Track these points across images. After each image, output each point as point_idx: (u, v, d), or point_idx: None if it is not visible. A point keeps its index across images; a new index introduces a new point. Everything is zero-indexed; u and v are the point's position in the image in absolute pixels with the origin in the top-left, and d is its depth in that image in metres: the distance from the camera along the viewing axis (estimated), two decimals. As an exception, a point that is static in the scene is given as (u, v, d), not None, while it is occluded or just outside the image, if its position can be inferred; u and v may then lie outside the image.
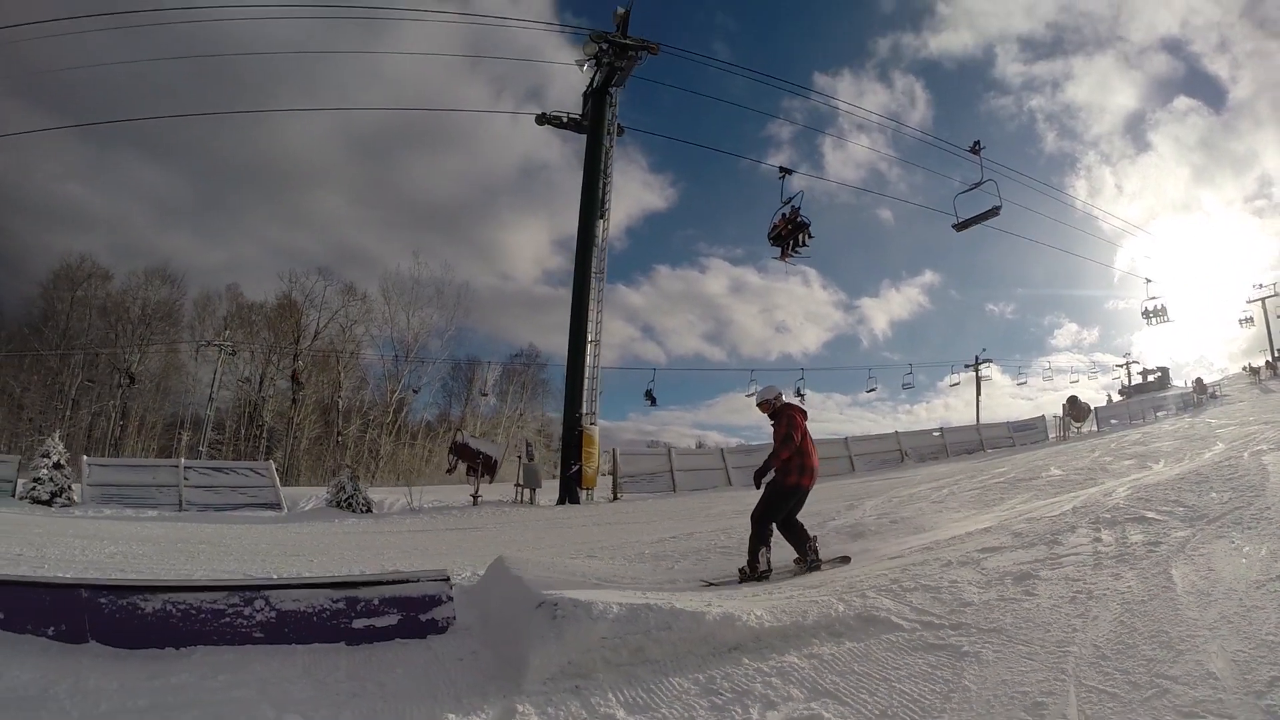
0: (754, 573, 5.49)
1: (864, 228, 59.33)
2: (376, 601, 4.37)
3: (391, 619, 4.36)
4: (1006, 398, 53.34)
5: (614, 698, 3.30)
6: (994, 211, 19.45)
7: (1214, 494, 6.25)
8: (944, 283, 61.51)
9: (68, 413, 36.13)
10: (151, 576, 6.40)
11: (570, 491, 18.02)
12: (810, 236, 17.79)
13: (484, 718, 3.21)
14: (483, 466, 17.98)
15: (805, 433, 5.75)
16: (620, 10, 19.88)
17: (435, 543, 10.31)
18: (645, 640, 3.64)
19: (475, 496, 17.26)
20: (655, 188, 65.53)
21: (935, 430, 24.32)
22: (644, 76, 21.11)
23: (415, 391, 39.23)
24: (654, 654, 3.61)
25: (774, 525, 5.65)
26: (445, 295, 40.51)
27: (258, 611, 4.19)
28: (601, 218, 20.12)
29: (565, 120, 21.21)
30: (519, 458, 18.53)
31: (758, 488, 5.76)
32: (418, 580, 4.53)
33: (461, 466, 18.65)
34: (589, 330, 19.48)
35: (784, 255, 18.12)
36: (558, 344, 47.54)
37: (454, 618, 4.51)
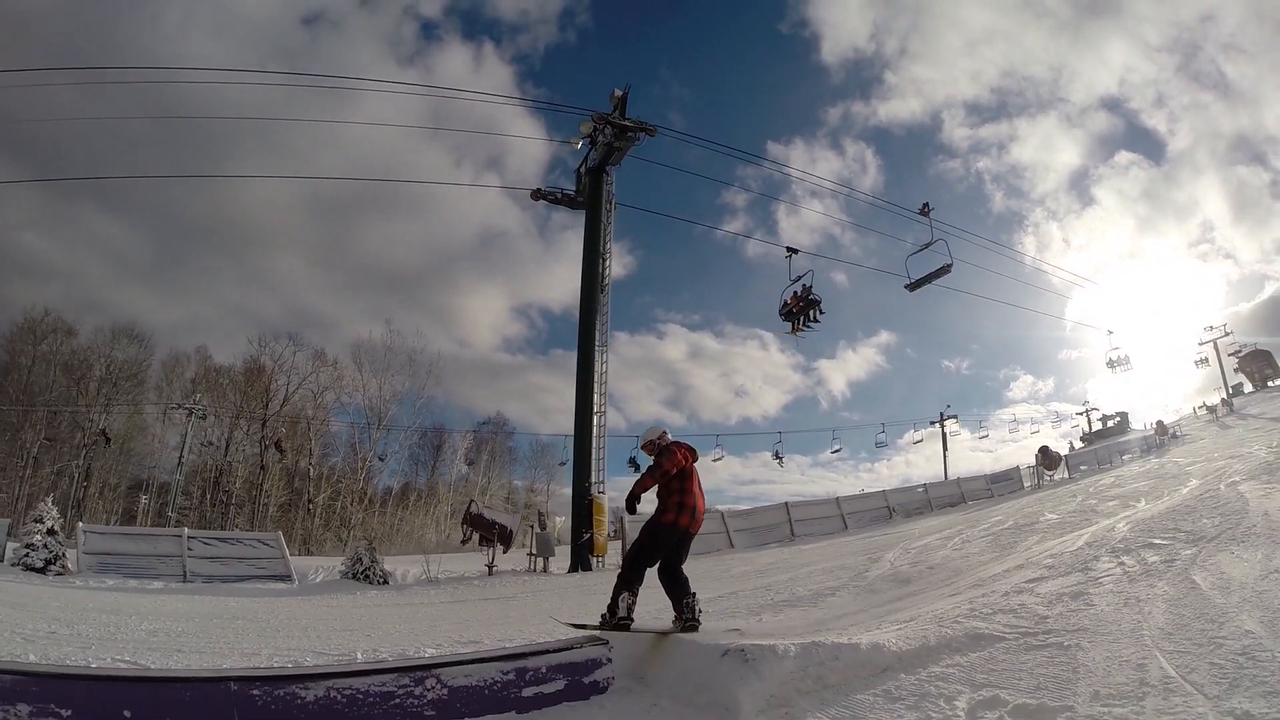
0: (612, 618, 5.05)
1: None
2: (544, 669, 4.50)
3: (559, 684, 4.49)
4: (968, 451, 55.63)
5: (823, 715, 3.84)
6: (945, 269, 19.91)
7: (1205, 520, 7.55)
8: (900, 342, 64.42)
9: (27, 470, 34.67)
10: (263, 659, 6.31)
11: (582, 559, 18.39)
12: (822, 312, 18.74)
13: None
14: (498, 536, 18.32)
15: (688, 471, 5.24)
16: (618, 92, 21.02)
17: (482, 613, 10.42)
18: (822, 670, 4.20)
19: (490, 566, 17.62)
20: (614, 255, 67.12)
21: (919, 486, 25.58)
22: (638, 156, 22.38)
23: (381, 459, 38.98)
24: (831, 680, 4.18)
25: (644, 570, 5.18)
26: (417, 363, 41.49)
27: (429, 690, 4.11)
28: (602, 291, 21.14)
29: (559, 196, 22.41)
30: (531, 527, 19.20)
31: (631, 512, 5.49)
32: (581, 646, 4.82)
33: (474, 536, 18.97)
34: (594, 401, 20.21)
35: (795, 330, 19.05)
36: (517, 411, 48.25)
37: (614, 678, 4.72)
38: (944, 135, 61.66)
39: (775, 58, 61.84)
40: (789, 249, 19.82)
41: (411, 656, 5.88)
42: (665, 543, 5.15)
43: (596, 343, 20.90)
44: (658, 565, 5.19)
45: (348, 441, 40.04)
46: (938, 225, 20.49)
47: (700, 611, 5.22)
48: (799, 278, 18.83)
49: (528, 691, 4.39)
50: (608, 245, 21.68)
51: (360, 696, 3.90)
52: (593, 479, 19.47)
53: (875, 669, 4.32)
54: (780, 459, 31.66)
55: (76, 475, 34.40)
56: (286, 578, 15.65)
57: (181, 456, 30.67)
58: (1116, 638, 4.41)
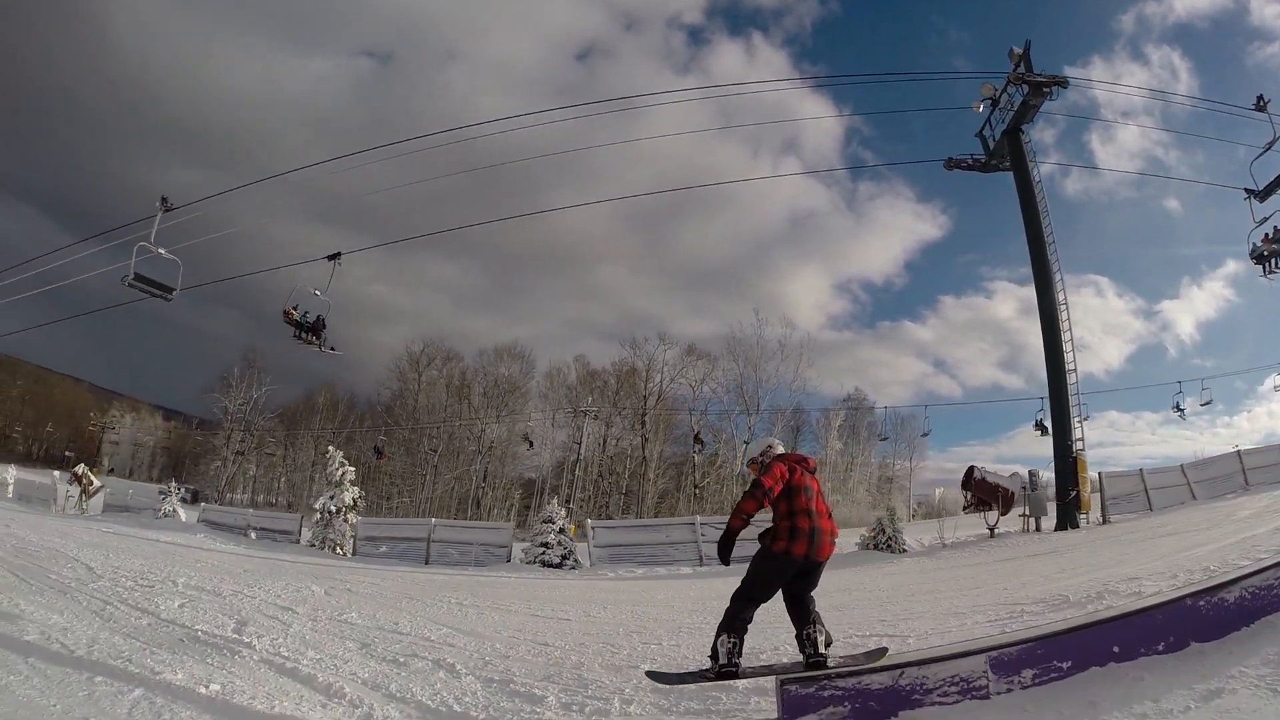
0: (714, 664, 4.27)
1: (1150, 222, 54.26)
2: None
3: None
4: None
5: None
6: None
7: None
8: (1252, 270, 53.91)
9: (428, 477, 41.81)
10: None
11: (1070, 516, 18.04)
12: None
13: None
14: (1001, 500, 18.70)
15: (797, 486, 4.31)
16: (1017, 50, 20.01)
17: (1050, 567, 10.44)
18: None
19: (993, 529, 18.22)
20: (926, 217, 64.75)
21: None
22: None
23: (746, 444, 40.92)
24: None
25: (752, 611, 4.34)
26: (787, 348, 43.00)
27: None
28: (1050, 249, 20.23)
29: (970, 163, 21.85)
30: (1023, 488, 19.35)
31: (724, 563, 4.41)
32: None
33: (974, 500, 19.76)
34: (1066, 360, 19.60)
35: (1267, 273, 17.46)
36: (845, 388, 48.32)
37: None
38: (1253, 18, 50.65)
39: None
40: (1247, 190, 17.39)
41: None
42: (778, 577, 4.29)
43: (1059, 302, 20.09)
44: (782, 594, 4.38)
45: (721, 429, 42.58)
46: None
47: (829, 643, 4.33)
48: (1266, 218, 17.16)
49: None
50: (1044, 204, 20.68)
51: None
52: (1074, 437, 19.04)
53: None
54: (1181, 411, 27.33)
55: (475, 478, 40.80)
56: None
57: (579, 453, 34.69)
58: None
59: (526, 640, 6.99)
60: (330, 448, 20.43)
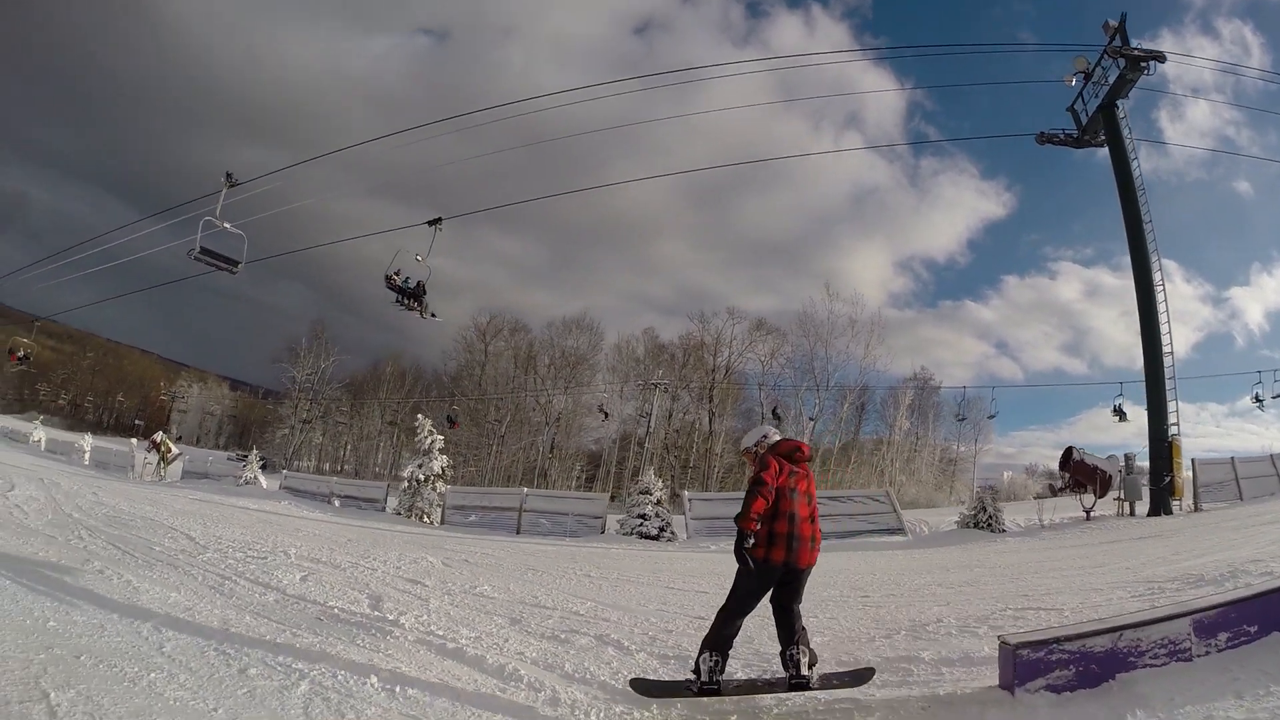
0: (696, 679, 4.03)
1: (1221, 205, 50.72)
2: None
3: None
4: None
5: None
6: None
7: None
8: (1330, 257, 50.35)
9: (494, 447, 41.72)
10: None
11: (1163, 502, 17.26)
12: None
13: None
14: (1099, 482, 17.77)
15: (780, 487, 3.98)
16: (1112, 23, 18.99)
17: (1162, 549, 9.98)
18: None
19: (1089, 512, 17.24)
20: (990, 194, 62.07)
21: None
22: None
23: (812, 421, 39.89)
24: None
25: (737, 625, 4.09)
26: (857, 325, 41.79)
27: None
28: (1148, 229, 19.13)
29: (1062, 137, 20.84)
30: (1120, 471, 18.18)
31: (746, 569, 3.97)
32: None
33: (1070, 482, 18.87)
34: (1162, 342, 18.73)
35: None
36: (908, 368, 46.56)
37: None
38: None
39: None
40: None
41: None
42: (761, 588, 4.02)
43: (1156, 282, 19.05)
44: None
45: (781, 404, 41.64)
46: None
47: (812, 663, 4.07)
48: None
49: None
50: (1140, 181, 19.53)
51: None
52: (1169, 422, 18.18)
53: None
54: (1261, 402, 24.92)
55: (541, 449, 40.50)
56: (900, 530, 15.94)
57: (650, 425, 33.97)
58: None
59: (678, 613, 6.51)
60: (419, 416, 19.83)
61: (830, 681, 4.10)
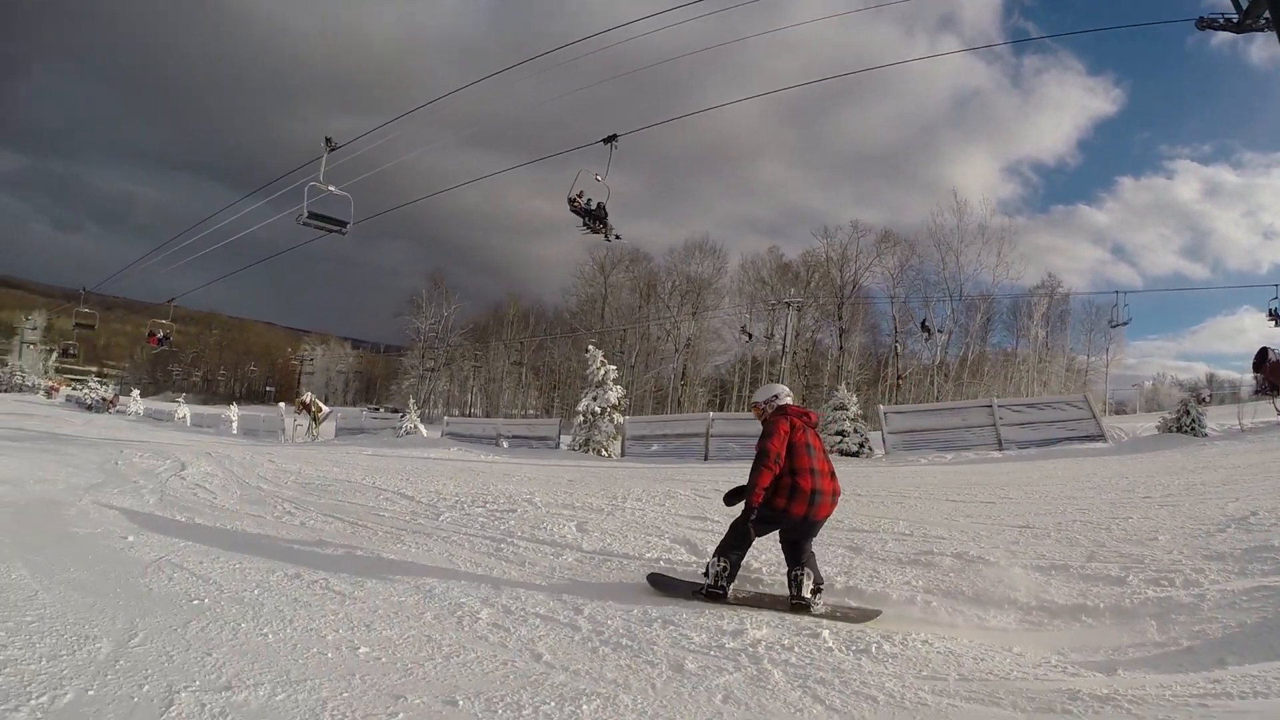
0: (705, 580, 4.31)
1: None
2: None
3: None
4: None
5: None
6: None
7: None
8: None
9: (627, 377, 42.01)
10: None
11: None
12: None
13: None
14: None
15: (799, 444, 4.19)
16: None
17: None
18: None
19: None
20: (1098, 91, 55.47)
21: None
22: None
23: (939, 332, 38.16)
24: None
25: (749, 540, 4.23)
26: (988, 233, 39.66)
27: None
28: None
29: (1222, 22, 16.77)
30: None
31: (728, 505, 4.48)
32: None
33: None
34: None
35: None
36: (1013, 276, 43.08)
37: None
38: None
39: None
40: None
41: None
42: (771, 527, 4.21)
43: None
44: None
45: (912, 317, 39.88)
46: None
47: (816, 588, 4.08)
48: None
49: None
50: None
51: None
52: None
53: None
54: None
55: (673, 376, 40.48)
56: (1099, 437, 14.75)
57: (784, 344, 32.98)
58: None
59: (999, 524, 6.24)
60: (590, 347, 19.61)
61: (835, 612, 4.06)
